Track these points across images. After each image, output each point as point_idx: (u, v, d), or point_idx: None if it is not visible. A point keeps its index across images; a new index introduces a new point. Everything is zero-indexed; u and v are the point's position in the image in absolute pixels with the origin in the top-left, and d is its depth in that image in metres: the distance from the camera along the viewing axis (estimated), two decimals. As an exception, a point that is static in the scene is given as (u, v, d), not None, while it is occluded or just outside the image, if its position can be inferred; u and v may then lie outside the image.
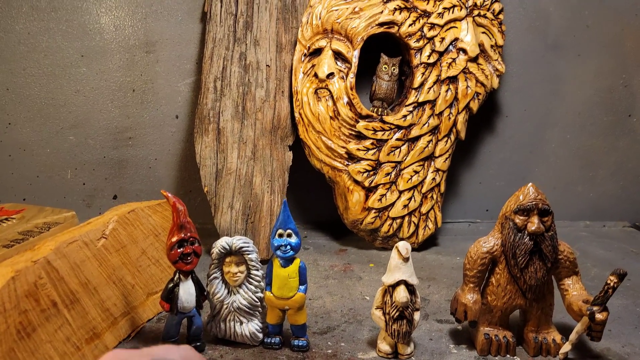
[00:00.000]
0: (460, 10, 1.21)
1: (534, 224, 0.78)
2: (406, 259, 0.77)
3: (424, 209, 1.24)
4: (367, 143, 1.20)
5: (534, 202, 0.78)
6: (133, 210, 0.89)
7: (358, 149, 1.19)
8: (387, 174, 1.21)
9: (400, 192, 1.22)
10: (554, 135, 1.46)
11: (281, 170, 1.21)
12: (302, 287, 0.80)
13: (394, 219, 1.22)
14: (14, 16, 1.27)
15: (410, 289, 0.77)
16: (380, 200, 1.21)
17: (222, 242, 0.79)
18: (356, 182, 1.20)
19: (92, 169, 1.36)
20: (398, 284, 0.77)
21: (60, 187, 1.36)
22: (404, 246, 0.78)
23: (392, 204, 1.22)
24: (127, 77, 1.33)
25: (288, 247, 0.79)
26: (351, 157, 1.20)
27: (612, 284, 0.73)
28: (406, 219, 1.23)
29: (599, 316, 0.74)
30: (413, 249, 1.26)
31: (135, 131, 1.35)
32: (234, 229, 1.16)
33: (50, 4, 1.28)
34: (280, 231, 0.79)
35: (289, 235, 0.79)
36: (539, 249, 0.79)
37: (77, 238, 0.77)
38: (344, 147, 1.20)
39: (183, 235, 0.76)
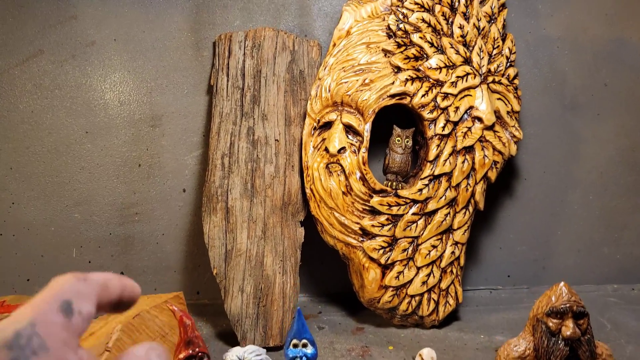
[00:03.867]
0: (474, 77, 1.17)
1: (569, 328, 0.72)
2: (432, 372, 0.71)
3: (443, 285, 1.18)
4: (382, 219, 1.14)
5: (567, 305, 0.72)
6: (138, 315, 0.84)
7: (373, 225, 1.14)
8: (404, 250, 1.15)
9: (419, 268, 1.16)
10: (576, 196, 1.40)
11: (293, 249, 1.15)
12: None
13: (412, 296, 1.16)
14: (18, 95, 1.25)
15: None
16: (397, 277, 1.15)
17: (232, 357, 0.74)
18: (372, 259, 1.15)
19: (97, 247, 1.31)
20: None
21: (66, 265, 1.31)
22: (428, 354, 0.72)
23: (410, 281, 1.16)
24: (132, 152, 1.29)
25: (304, 358, 0.73)
26: (366, 234, 1.15)
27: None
28: (425, 295, 1.17)
29: None
30: (433, 326, 1.20)
31: (141, 206, 1.31)
32: (245, 313, 1.10)
33: (54, 82, 1.26)
34: (294, 341, 0.74)
35: (305, 346, 0.74)
36: (575, 355, 0.73)
37: (78, 358, 0.72)
38: (357, 223, 1.14)
39: (191, 352, 0.71)
